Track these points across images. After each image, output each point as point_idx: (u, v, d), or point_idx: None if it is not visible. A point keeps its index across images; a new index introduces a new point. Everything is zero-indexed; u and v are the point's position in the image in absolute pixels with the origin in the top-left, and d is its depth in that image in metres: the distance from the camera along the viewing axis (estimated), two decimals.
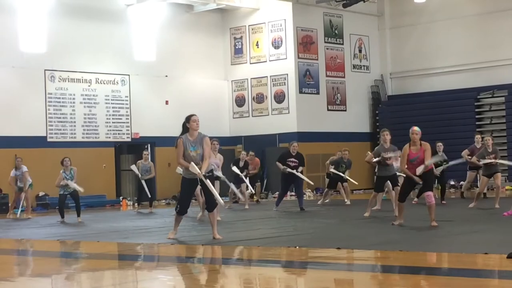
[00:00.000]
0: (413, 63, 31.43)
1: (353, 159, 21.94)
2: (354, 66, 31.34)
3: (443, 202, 19.65)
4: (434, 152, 19.25)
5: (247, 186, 21.94)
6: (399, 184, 15.89)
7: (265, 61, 29.55)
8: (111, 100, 26.86)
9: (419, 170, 13.29)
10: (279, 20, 29.22)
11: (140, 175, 21.58)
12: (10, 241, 14.64)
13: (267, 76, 29.49)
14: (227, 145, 27.93)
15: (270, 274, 9.17)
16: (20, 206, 21.08)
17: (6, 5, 24.61)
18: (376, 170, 17.39)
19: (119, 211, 23.45)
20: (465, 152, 19.82)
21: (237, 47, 30.23)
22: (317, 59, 29.75)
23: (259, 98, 29.73)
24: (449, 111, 29.40)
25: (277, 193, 22.63)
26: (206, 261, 10.70)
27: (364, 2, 29.46)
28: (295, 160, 19.34)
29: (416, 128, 13.71)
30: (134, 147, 27.25)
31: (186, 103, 28.22)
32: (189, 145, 12.18)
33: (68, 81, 25.84)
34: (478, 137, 19.86)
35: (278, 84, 29.28)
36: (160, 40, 28.33)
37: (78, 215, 18.48)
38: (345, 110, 30.73)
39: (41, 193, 24.43)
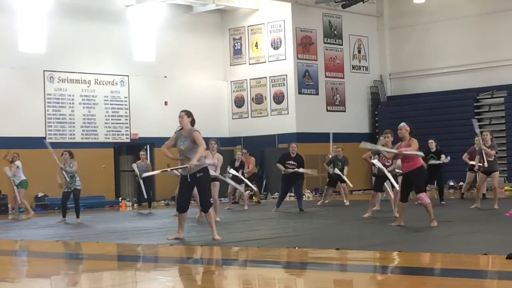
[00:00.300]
0: (413, 63, 31.43)
1: (352, 160, 21.93)
2: (353, 67, 31.34)
3: (442, 202, 19.64)
4: (427, 150, 19.33)
5: (245, 187, 21.92)
6: (396, 185, 15.94)
7: (264, 62, 29.55)
8: (110, 100, 26.86)
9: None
10: (278, 21, 29.23)
11: (138, 175, 21.61)
12: (10, 242, 14.63)
13: (266, 77, 29.49)
14: (226, 146, 27.89)
15: (270, 275, 9.16)
16: (17, 206, 21.12)
17: (5, 5, 24.61)
18: (374, 170, 17.36)
19: (118, 212, 23.45)
20: (465, 156, 19.83)
21: (236, 48, 30.24)
22: (316, 60, 29.75)
23: (258, 99, 29.73)
24: (449, 111, 29.40)
25: (277, 193, 22.68)
26: (205, 262, 10.70)
27: (363, 2, 29.49)
28: (294, 163, 19.33)
29: (401, 124, 13.69)
30: (133, 148, 27.23)
31: (185, 104, 27.84)
32: (180, 139, 12.36)
33: (67, 82, 25.84)
34: (478, 139, 19.76)
35: (277, 85, 29.28)
36: (159, 41, 28.33)
37: (77, 216, 18.46)
38: (344, 111, 30.73)
39: (40, 194, 24.42)
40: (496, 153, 17.92)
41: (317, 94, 29.76)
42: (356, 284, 8.53)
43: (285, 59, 29.08)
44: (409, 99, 31.20)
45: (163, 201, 26.70)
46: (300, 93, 29.13)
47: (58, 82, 25.62)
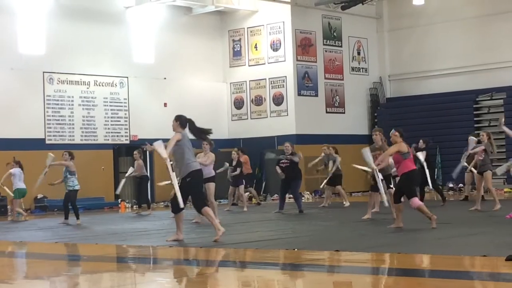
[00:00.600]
0: (412, 65, 31.43)
1: (351, 161, 21.93)
2: (352, 69, 31.35)
3: (441, 204, 19.62)
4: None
5: (244, 189, 22.00)
6: (391, 186, 16.02)
7: (264, 64, 29.55)
8: (110, 102, 26.86)
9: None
10: (278, 23, 29.23)
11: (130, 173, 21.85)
12: (9, 243, 14.62)
13: (265, 79, 29.49)
14: (226, 147, 27.88)
15: (269, 277, 9.16)
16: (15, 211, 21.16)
17: (5, 6, 24.61)
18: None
19: (117, 213, 23.45)
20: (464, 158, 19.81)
21: (235, 50, 30.24)
22: (315, 62, 29.75)
23: (258, 101, 29.73)
24: (448, 113, 29.39)
25: (276, 195, 22.69)
26: (204, 264, 10.69)
27: (363, 4, 29.50)
28: (287, 161, 19.41)
29: (391, 131, 13.87)
30: (133, 149, 27.14)
31: (185, 106, 28.19)
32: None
33: (67, 83, 25.84)
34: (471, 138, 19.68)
35: (277, 87, 29.28)
36: (159, 43, 28.33)
37: (77, 218, 18.45)
38: (344, 113, 30.72)
39: (39, 195, 24.41)
40: (492, 152, 17.92)
41: (316, 95, 29.76)
42: (355, 285, 8.53)
43: (285, 60, 29.08)
44: (408, 101, 31.20)
45: (162, 203, 26.69)
46: (299, 94, 29.12)
47: (57, 83, 25.62)
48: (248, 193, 24.84)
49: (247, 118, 29.96)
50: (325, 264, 9.92)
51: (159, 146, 12.30)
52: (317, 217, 17.70)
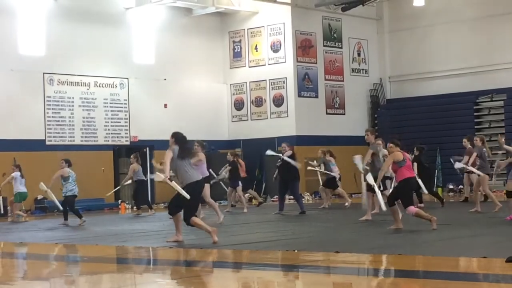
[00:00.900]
0: (412, 66, 31.43)
1: (351, 163, 21.91)
2: (353, 70, 31.34)
3: (440, 206, 19.60)
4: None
5: (244, 190, 22.08)
6: (387, 187, 16.18)
7: (264, 65, 29.54)
8: (110, 103, 26.85)
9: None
10: (278, 24, 29.23)
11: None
12: (9, 244, 14.63)
13: (266, 80, 29.48)
14: (226, 148, 27.90)
15: (269, 278, 9.16)
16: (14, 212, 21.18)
17: (5, 8, 24.60)
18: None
19: (117, 214, 23.44)
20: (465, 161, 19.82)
21: (236, 51, 30.24)
22: (316, 63, 29.75)
23: (258, 102, 29.73)
24: (448, 114, 29.38)
25: (276, 196, 22.68)
26: (204, 265, 10.69)
27: (363, 6, 29.49)
28: (280, 161, 19.50)
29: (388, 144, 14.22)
30: (133, 151, 27.17)
31: (185, 107, 28.24)
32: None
33: (67, 85, 25.84)
34: (464, 141, 19.69)
35: (277, 88, 29.27)
36: (159, 44, 28.33)
37: (79, 218, 18.40)
38: (344, 114, 30.71)
39: (39, 197, 24.39)
40: (488, 156, 17.98)
41: (316, 97, 29.75)
42: (355, 287, 8.52)
43: (285, 62, 29.07)
44: (408, 102, 31.19)
45: (162, 204, 26.68)
46: (299, 96, 29.12)
47: (57, 84, 25.62)
48: (247, 194, 24.86)
49: (247, 119, 29.95)
50: (325, 266, 9.91)
51: (157, 176, 12.85)
52: (317, 218, 17.70)
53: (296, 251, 11.03)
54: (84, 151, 25.59)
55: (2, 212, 22.20)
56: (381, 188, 16.65)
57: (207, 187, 16.46)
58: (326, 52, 30.27)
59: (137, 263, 11.20)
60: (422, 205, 18.94)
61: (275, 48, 29.30)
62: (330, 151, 22.20)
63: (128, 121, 27.24)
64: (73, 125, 25.87)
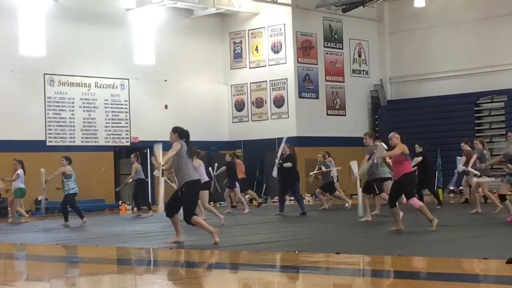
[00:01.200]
0: (413, 68, 31.43)
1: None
2: (353, 71, 31.34)
3: (437, 207, 19.56)
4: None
5: (240, 191, 22.06)
6: (383, 190, 16.26)
7: (265, 66, 29.55)
8: (111, 104, 26.86)
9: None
10: (279, 25, 29.23)
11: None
12: (9, 245, 14.62)
13: (266, 81, 29.49)
14: (226, 149, 27.89)
15: (269, 279, 9.16)
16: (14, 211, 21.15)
17: (5, 9, 24.62)
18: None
19: (118, 215, 23.44)
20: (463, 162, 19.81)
21: (236, 52, 30.24)
22: (316, 64, 29.75)
23: (259, 103, 29.73)
24: (449, 116, 29.39)
25: (277, 198, 22.67)
26: (204, 266, 10.69)
27: (364, 7, 29.48)
28: (281, 162, 19.46)
29: (391, 133, 13.97)
30: (134, 151, 27.19)
31: (186, 108, 28.23)
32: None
33: (68, 85, 25.84)
34: (462, 144, 19.66)
35: (278, 89, 29.28)
36: (160, 45, 28.34)
37: (81, 218, 18.36)
38: (345, 115, 30.72)
39: (40, 197, 24.37)
40: (487, 158, 18.01)
41: (317, 98, 29.75)
42: None
43: (285, 63, 29.08)
44: (409, 103, 31.20)
45: (162, 205, 26.65)
46: (300, 97, 29.13)
47: (58, 85, 25.63)
48: (248, 195, 24.85)
49: (248, 120, 29.96)
50: (326, 267, 9.91)
51: (157, 149, 12.55)
52: (318, 219, 17.70)
53: (296, 252, 11.03)
54: (85, 152, 25.59)
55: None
56: (377, 192, 16.69)
57: (206, 193, 16.47)
58: (327, 53, 30.27)
59: (138, 264, 11.20)
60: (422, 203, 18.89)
61: (276, 49, 29.31)
62: (328, 152, 22.18)
63: (129, 122, 27.25)
64: (74, 126, 25.87)
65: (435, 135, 28.48)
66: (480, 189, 17.97)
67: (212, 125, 29.04)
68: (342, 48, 30.81)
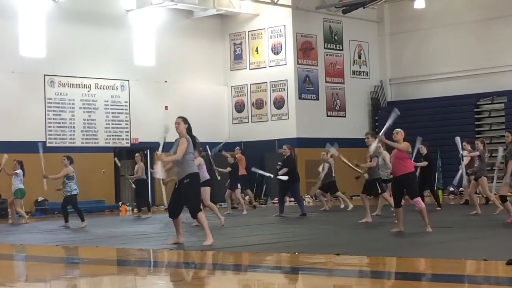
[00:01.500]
0: (413, 69, 31.45)
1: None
2: (353, 72, 31.36)
3: (437, 208, 19.56)
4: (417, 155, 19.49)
5: (241, 191, 22.08)
6: (385, 190, 16.26)
7: (265, 67, 29.57)
8: (111, 105, 26.87)
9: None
10: (279, 26, 29.25)
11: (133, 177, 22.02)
12: (9, 246, 14.62)
13: (266, 82, 29.50)
14: (226, 150, 27.86)
15: (269, 280, 9.16)
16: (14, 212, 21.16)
17: (6, 10, 24.63)
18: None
19: (118, 216, 23.44)
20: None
21: (236, 53, 30.26)
22: (316, 65, 29.77)
23: (259, 104, 29.74)
24: (449, 117, 29.40)
25: (277, 198, 22.67)
26: (204, 267, 10.69)
27: (364, 8, 29.51)
28: (280, 164, 19.47)
29: (396, 129, 14.13)
30: (134, 153, 27.14)
31: (186, 109, 28.13)
32: (174, 146, 12.45)
33: (68, 86, 25.85)
34: (464, 144, 19.68)
35: (278, 90, 29.29)
36: (160, 46, 28.35)
37: (82, 220, 18.35)
38: (345, 116, 30.74)
39: (40, 198, 24.41)
40: (487, 159, 18.04)
41: (317, 99, 29.77)
42: None
43: (286, 64, 29.10)
44: (409, 105, 31.19)
45: (162, 206, 26.67)
46: (300, 98, 29.14)
47: (58, 86, 25.64)
48: (247, 196, 24.86)
49: (248, 122, 29.97)
50: (326, 268, 9.91)
51: (156, 173, 12.88)
52: (318, 221, 17.70)
53: (296, 253, 11.03)
54: (85, 153, 25.58)
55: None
56: (380, 191, 16.69)
57: (207, 190, 16.44)
58: (327, 55, 30.29)
59: (138, 265, 11.20)
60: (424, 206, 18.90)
61: (276, 50, 29.32)
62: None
63: (129, 123, 27.26)
64: (74, 127, 25.88)
65: (435, 136, 28.43)
66: (477, 190, 17.98)
67: (212, 126, 29.03)
68: (342, 50, 30.82)
